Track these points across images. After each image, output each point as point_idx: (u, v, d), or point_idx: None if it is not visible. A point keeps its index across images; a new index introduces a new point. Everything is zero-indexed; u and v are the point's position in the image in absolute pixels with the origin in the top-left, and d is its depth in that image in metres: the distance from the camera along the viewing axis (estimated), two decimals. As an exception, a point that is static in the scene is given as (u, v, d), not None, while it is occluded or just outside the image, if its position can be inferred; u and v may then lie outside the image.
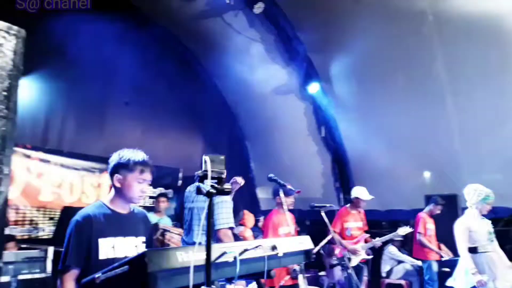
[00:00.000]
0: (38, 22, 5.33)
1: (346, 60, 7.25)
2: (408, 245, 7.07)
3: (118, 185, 2.25)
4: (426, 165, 7.35)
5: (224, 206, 3.33)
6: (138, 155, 2.31)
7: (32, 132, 6.20)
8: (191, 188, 3.68)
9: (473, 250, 4.22)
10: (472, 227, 4.29)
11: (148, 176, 2.31)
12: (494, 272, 4.15)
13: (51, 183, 6.11)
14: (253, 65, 8.15)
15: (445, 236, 5.80)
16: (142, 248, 2.31)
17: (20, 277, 3.63)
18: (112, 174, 2.28)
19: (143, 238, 2.35)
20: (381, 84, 7.04)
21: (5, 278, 3.48)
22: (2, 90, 1.37)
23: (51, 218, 5.99)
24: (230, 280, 1.77)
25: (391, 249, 7.15)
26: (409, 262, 6.91)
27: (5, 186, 1.33)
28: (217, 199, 3.18)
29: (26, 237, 5.65)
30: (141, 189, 2.28)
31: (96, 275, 1.47)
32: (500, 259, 4.30)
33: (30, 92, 6.02)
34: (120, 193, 2.27)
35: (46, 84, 6.25)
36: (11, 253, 3.81)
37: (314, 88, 7.85)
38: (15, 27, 1.42)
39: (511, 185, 5.81)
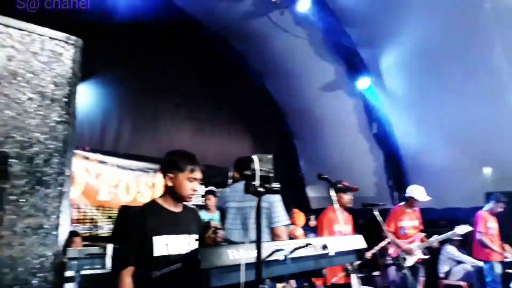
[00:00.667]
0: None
1: (397, 53, 7.01)
2: (467, 245, 6.74)
3: (170, 184, 2.34)
4: (486, 161, 6.95)
5: (281, 204, 3.38)
6: (188, 155, 2.40)
7: (90, 135, 6.54)
8: (237, 187, 3.66)
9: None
10: None
11: (198, 174, 2.38)
12: None
13: (108, 183, 6.41)
14: (301, 63, 8.09)
15: (510, 236, 5.47)
16: (194, 246, 2.37)
17: (83, 272, 3.83)
18: (164, 174, 2.37)
19: (196, 236, 2.41)
20: (435, 76, 6.74)
21: (69, 273, 3.69)
22: (62, 96, 1.45)
23: (109, 217, 6.28)
24: (280, 280, 1.77)
25: (450, 249, 6.85)
26: (470, 263, 6.58)
27: (67, 187, 1.41)
28: (274, 197, 3.27)
29: (87, 234, 5.96)
30: (192, 188, 2.36)
31: (153, 272, 1.52)
32: None
33: (87, 97, 6.35)
34: (172, 192, 2.36)
35: (102, 89, 6.57)
36: (74, 250, 4.03)
37: (363, 83, 7.67)
38: (73, 37, 1.50)
39: None
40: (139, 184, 6.80)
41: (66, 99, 1.46)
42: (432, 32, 6.34)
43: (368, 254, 4.85)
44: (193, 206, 2.57)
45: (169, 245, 2.26)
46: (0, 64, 1.31)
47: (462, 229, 5.34)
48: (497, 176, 6.90)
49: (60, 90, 1.44)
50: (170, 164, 2.36)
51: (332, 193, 3.73)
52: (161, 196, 2.43)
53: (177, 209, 2.40)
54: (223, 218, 3.68)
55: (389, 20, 6.66)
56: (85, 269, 3.83)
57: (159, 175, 2.43)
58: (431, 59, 6.65)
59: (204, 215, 6.00)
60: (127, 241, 2.25)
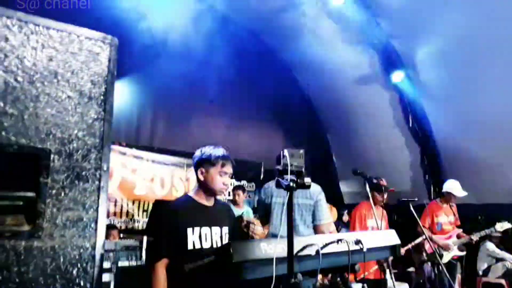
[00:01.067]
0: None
1: (432, 44, 6.80)
2: (507, 241, 6.50)
3: (202, 178, 2.40)
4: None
5: (325, 201, 3.48)
6: (219, 150, 2.44)
7: (126, 131, 6.72)
8: (270, 184, 3.71)
9: None
10: None
11: (229, 169, 2.42)
12: None
13: (144, 178, 6.56)
14: (334, 56, 7.99)
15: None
16: (226, 239, 2.42)
17: (120, 264, 3.96)
18: (196, 169, 2.43)
19: (227, 229, 2.45)
20: (474, 69, 6.48)
21: (106, 264, 3.83)
22: (99, 94, 1.50)
23: (144, 211, 6.45)
24: (313, 275, 1.77)
25: (489, 246, 6.63)
26: (510, 260, 6.35)
27: (104, 182, 1.46)
28: (320, 195, 3.41)
29: (123, 227, 6.14)
30: (223, 182, 2.41)
31: (186, 265, 1.56)
32: None
33: (123, 94, 6.52)
34: (204, 186, 2.41)
35: (137, 86, 6.73)
36: (111, 242, 4.18)
37: (398, 76, 7.49)
38: (109, 36, 1.55)
39: None
40: (174, 179, 6.93)
41: (102, 97, 1.50)
42: (469, 22, 6.10)
43: (403, 251, 4.77)
44: (225, 201, 2.62)
45: (202, 237, 2.31)
46: (42, 65, 1.37)
47: (502, 226, 5.17)
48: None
49: (97, 88, 1.49)
50: (201, 159, 2.41)
51: (367, 188, 3.67)
52: (194, 191, 2.48)
53: (209, 203, 2.45)
54: (254, 212, 3.74)
55: (424, 10, 6.46)
56: (122, 260, 3.96)
57: (193, 170, 2.49)
58: (469, 50, 6.40)
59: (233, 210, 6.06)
60: (160, 234, 2.30)
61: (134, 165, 6.46)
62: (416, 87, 7.55)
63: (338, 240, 1.84)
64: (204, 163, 2.39)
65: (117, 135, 6.30)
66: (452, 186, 5.29)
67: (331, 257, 1.80)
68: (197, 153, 2.47)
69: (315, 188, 3.43)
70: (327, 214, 3.52)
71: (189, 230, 2.28)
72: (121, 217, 6.21)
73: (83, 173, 1.40)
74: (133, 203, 6.39)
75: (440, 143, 7.77)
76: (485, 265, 6.65)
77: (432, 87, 7.34)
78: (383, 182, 4.24)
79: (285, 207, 3.57)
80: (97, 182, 1.42)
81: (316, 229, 3.37)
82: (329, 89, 8.71)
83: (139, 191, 6.48)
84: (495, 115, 6.49)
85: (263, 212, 3.58)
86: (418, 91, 7.56)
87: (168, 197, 6.57)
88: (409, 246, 5.08)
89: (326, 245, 1.78)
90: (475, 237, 5.21)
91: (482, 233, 5.26)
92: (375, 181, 3.72)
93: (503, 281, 6.41)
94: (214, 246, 2.34)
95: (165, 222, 2.32)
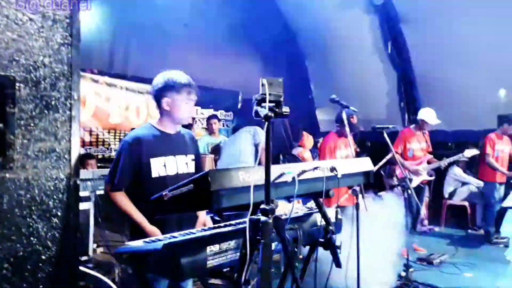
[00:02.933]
0: None
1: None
2: (474, 167, 6.82)
3: (166, 108, 2.30)
4: (501, 82, 6.79)
5: None
6: (182, 76, 2.32)
7: (99, 57, 6.43)
8: None
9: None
10: None
11: (194, 96, 2.34)
12: None
13: (118, 106, 6.44)
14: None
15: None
16: (192, 166, 2.42)
17: (98, 192, 4.01)
18: (158, 97, 2.32)
19: (192, 156, 2.44)
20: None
21: (85, 193, 3.86)
22: (64, 17, 1.40)
23: (121, 140, 6.39)
24: (288, 199, 1.82)
25: (456, 171, 6.95)
26: (475, 184, 6.72)
27: (76, 111, 1.41)
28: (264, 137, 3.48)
29: (100, 157, 6.12)
30: (189, 110, 2.35)
31: (164, 193, 1.57)
32: None
33: (94, 18, 6.15)
34: (168, 115, 2.33)
35: (109, 9, 6.33)
36: (89, 172, 4.18)
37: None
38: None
39: None
40: (150, 108, 6.83)
41: (68, 20, 1.40)
42: None
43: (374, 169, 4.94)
44: (186, 129, 2.57)
45: (167, 166, 2.29)
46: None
47: (470, 152, 5.38)
48: (511, 98, 6.78)
49: (61, 10, 1.39)
50: (166, 86, 2.29)
51: (344, 117, 3.69)
52: (156, 119, 2.40)
53: (173, 131, 2.39)
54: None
55: None
56: (100, 189, 4.00)
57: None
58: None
59: (208, 139, 6.10)
60: (120, 163, 2.24)
61: (107, 93, 6.30)
62: (397, 11, 7.39)
63: (314, 168, 1.88)
64: (169, 91, 2.28)
65: (88, 62, 6.04)
66: (426, 114, 5.39)
67: (307, 183, 1.85)
68: (159, 79, 2.33)
69: (261, 132, 3.48)
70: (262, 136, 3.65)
71: (153, 160, 2.25)
72: (97, 146, 6.17)
73: (53, 102, 1.34)
74: (109, 132, 6.32)
75: (417, 70, 7.79)
76: (452, 189, 7.02)
77: (412, 10, 7.21)
78: (354, 120, 4.29)
79: (231, 146, 3.80)
80: (68, 112, 1.37)
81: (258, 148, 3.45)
82: (308, 14, 8.41)
83: (114, 120, 6.38)
84: (472, 40, 6.49)
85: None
86: (399, 15, 7.41)
87: (145, 126, 6.50)
88: (376, 167, 5.22)
89: (303, 172, 1.81)
90: (444, 162, 5.43)
91: (451, 159, 5.47)
92: (351, 108, 3.73)
93: (466, 204, 6.82)
94: (180, 172, 2.33)
95: (125, 152, 2.26)
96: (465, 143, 6.33)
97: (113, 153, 6.29)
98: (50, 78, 1.34)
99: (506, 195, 5.74)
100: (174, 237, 1.81)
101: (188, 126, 3.95)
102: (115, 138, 6.38)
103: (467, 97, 6.86)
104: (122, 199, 2.24)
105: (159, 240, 1.78)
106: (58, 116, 1.35)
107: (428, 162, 5.46)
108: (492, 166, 5.82)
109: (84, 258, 3.74)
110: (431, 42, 7.14)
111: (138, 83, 6.65)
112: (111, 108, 6.35)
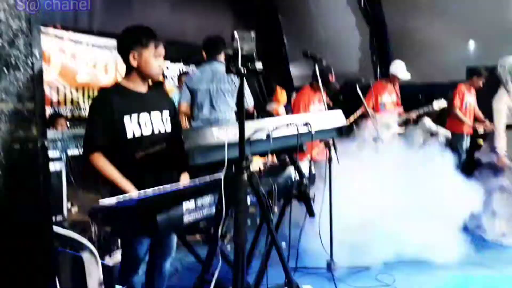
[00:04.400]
0: None
1: None
2: (443, 119, 6.99)
3: (134, 64, 2.20)
4: (471, 34, 6.86)
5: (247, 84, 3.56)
6: (147, 30, 2.22)
7: (62, 13, 6.08)
8: (206, 69, 3.90)
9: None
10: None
11: (162, 50, 2.24)
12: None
13: (86, 64, 6.19)
14: None
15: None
16: (168, 123, 2.33)
17: (69, 152, 3.93)
18: (125, 53, 2.21)
19: (167, 112, 2.35)
20: None
21: (55, 154, 3.78)
22: (19, -33, 1.30)
23: (90, 98, 6.21)
24: (263, 155, 1.84)
25: (425, 121, 7.11)
26: (442, 135, 6.90)
27: (38, 69, 1.34)
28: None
29: (69, 116, 5.95)
30: (159, 65, 2.24)
31: (136, 153, 1.55)
32: None
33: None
34: (137, 71, 2.22)
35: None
36: (59, 132, 4.07)
37: None
38: None
39: None
40: (118, 64, 6.60)
41: (23, -29, 1.31)
42: None
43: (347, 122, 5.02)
44: (174, 87, 2.52)
45: (141, 124, 2.20)
46: None
47: (438, 104, 5.50)
48: (480, 50, 6.87)
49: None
50: (131, 41, 2.18)
51: (317, 70, 3.66)
52: (124, 78, 2.29)
53: (144, 88, 2.29)
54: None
55: None
56: (71, 149, 3.92)
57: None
58: None
59: (178, 95, 6.00)
60: (93, 125, 2.16)
61: (73, 50, 6.02)
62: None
63: (288, 124, 1.88)
64: (135, 46, 2.17)
65: (51, 17, 5.71)
66: (397, 68, 5.45)
67: (281, 139, 1.86)
68: (124, 34, 2.24)
69: None
70: (250, 98, 3.82)
71: (126, 117, 2.16)
72: (65, 105, 5.97)
73: (13, 60, 1.27)
74: (77, 90, 6.11)
75: (390, 24, 7.77)
76: (421, 140, 7.20)
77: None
78: (332, 78, 4.27)
79: (206, 92, 3.87)
80: (30, 70, 1.30)
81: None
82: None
83: (82, 78, 6.15)
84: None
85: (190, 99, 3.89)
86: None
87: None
88: (350, 119, 5.29)
89: (276, 128, 1.81)
90: (413, 114, 5.55)
91: (420, 111, 5.59)
92: (324, 64, 3.72)
93: (434, 153, 7.04)
94: (156, 132, 2.25)
95: (96, 112, 2.18)
96: (436, 96, 6.46)
97: (83, 112, 6.12)
98: (7, 35, 1.26)
99: (472, 146, 5.96)
100: (147, 193, 1.78)
101: (160, 84, 3.87)
102: (83, 96, 6.18)
103: (437, 49, 6.92)
104: (104, 162, 2.13)
105: (132, 197, 1.74)
106: (19, 75, 1.28)
107: (399, 115, 5.57)
108: (458, 117, 5.96)
109: (59, 218, 3.72)
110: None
111: (105, 38, 6.37)
112: (78, 65, 6.10)
